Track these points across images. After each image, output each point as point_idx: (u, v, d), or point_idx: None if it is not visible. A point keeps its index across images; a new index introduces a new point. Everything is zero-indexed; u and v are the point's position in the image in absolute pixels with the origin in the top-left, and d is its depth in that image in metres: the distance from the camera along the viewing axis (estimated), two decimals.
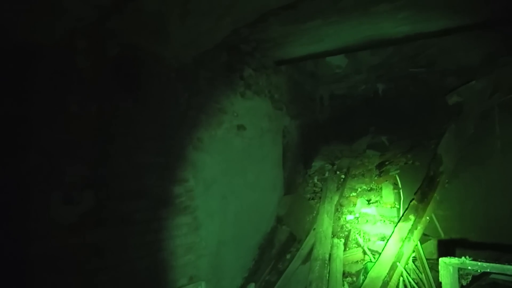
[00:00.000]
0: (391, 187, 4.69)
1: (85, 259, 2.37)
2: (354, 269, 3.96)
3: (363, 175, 5.34)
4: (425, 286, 3.40)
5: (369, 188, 4.98)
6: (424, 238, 3.83)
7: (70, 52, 2.32)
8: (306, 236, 4.44)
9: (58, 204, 2.23)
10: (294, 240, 4.68)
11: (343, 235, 4.43)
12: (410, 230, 3.75)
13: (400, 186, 4.62)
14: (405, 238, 3.69)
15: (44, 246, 2.15)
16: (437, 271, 3.09)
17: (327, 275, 3.72)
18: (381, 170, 5.17)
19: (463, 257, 1.90)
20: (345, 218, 4.66)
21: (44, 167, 2.17)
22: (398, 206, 4.42)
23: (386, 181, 4.83)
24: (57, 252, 2.21)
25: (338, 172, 5.62)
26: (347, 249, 4.18)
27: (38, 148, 2.15)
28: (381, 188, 4.81)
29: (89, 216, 2.40)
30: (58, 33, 2.21)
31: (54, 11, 2.05)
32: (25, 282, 2.10)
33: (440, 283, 2.02)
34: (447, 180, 4.20)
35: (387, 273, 3.42)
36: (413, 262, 3.66)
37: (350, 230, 4.44)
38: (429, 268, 3.48)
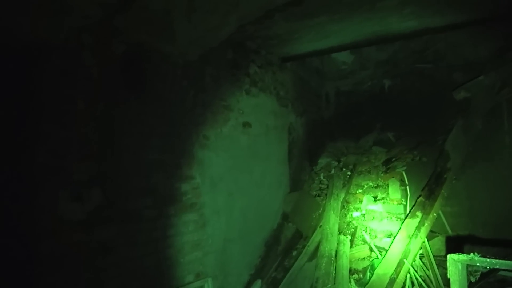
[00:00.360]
0: (398, 183, 4.66)
1: (93, 256, 2.40)
2: (360, 266, 3.96)
3: (369, 171, 5.30)
4: (432, 283, 3.38)
5: (375, 185, 4.96)
6: (431, 235, 3.80)
7: (77, 50, 2.34)
8: (313, 233, 4.43)
9: (66, 202, 2.25)
10: (300, 237, 4.68)
11: (349, 232, 4.42)
12: (417, 227, 3.73)
13: (407, 182, 4.59)
14: (412, 235, 3.66)
15: (52, 243, 2.18)
16: (445, 268, 3.07)
17: (334, 272, 3.72)
18: (388, 166, 5.14)
19: (471, 254, 1.90)
20: (351, 215, 4.65)
21: (52, 165, 2.19)
22: (405, 203, 4.40)
23: (393, 177, 4.80)
24: (65, 249, 2.24)
25: (344, 169, 5.59)
26: (354, 246, 4.18)
27: (46, 146, 2.17)
28: (387, 184, 4.78)
29: (97, 214, 2.42)
30: (65, 32, 2.23)
31: (61, 10, 2.06)
32: (34, 278, 2.13)
33: (448, 280, 2.01)
34: (454, 176, 4.16)
35: (394, 270, 3.41)
36: (420, 259, 3.64)
37: (356, 227, 4.43)
38: (436, 265, 3.46)
